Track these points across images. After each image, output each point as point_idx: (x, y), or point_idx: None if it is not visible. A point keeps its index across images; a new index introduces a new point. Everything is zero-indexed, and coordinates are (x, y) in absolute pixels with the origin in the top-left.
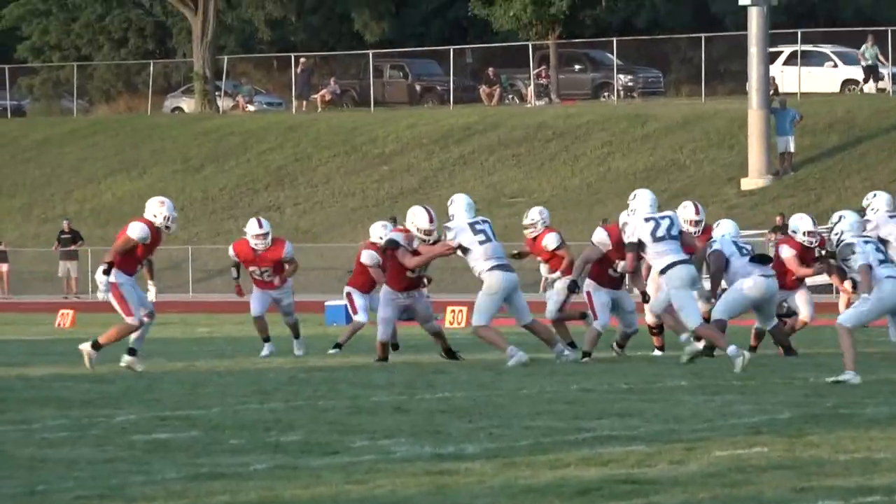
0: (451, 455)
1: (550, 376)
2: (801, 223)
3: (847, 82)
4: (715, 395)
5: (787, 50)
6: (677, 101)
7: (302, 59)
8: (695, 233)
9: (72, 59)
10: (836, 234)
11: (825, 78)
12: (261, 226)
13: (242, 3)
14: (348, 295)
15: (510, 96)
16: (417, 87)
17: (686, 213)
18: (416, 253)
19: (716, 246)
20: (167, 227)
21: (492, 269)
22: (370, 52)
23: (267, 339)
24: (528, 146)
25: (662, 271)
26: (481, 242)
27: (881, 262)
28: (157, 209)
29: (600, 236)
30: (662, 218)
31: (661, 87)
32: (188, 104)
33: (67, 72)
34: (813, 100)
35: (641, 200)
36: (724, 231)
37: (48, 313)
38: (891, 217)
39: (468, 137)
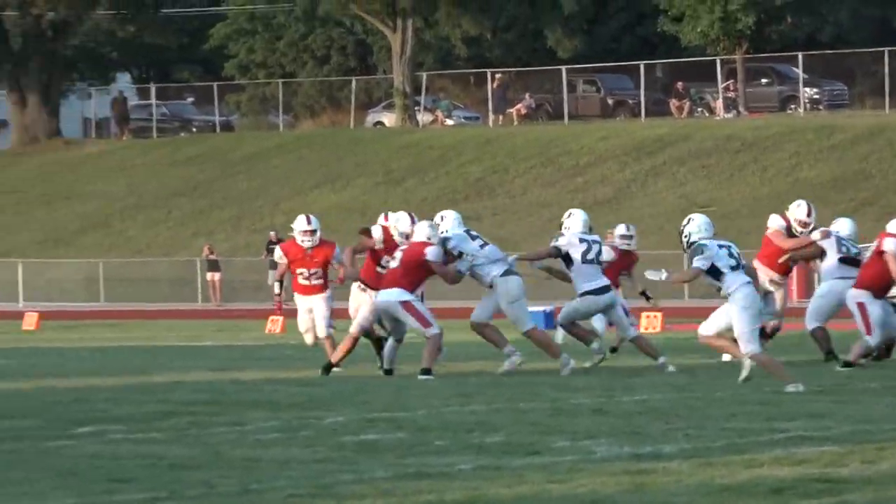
0: (649, 455)
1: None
2: None
3: None
4: None
5: None
6: (862, 113)
7: (498, 75)
8: (801, 233)
9: (277, 77)
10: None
11: None
12: (309, 222)
13: (440, 21)
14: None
15: (699, 109)
16: (610, 101)
17: (798, 212)
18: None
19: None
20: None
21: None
22: (564, 67)
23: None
24: (718, 157)
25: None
26: (583, 261)
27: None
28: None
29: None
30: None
31: (846, 100)
32: (389, 119)
33: (273, 88)
34: None
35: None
36: (839, 228)
37: (258, 320)
38: None
39: (659, 149)
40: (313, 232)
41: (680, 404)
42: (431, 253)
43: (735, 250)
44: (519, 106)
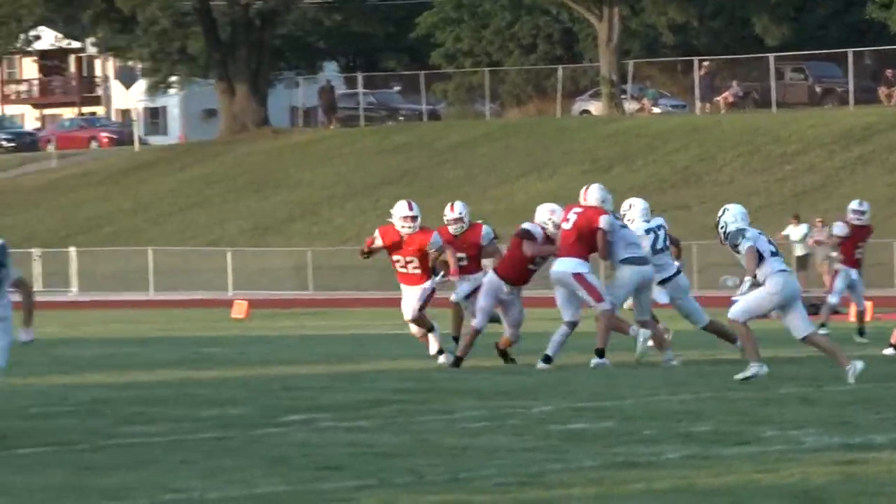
0: (860, 445)
1: None
2: None
3: None
4: None
5: None
6: None
7: (705, 63)
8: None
9: (483, 65)
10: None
11: None
12: (410, 208)
13: (646, 8)
14: None
15: None
16: (818, 89)
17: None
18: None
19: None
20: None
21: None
22: (771, 55)
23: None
24: None
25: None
26: (654, 252)
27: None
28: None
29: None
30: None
31: None
32: (595, 107)
33: (479, 77)
34: None
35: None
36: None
37: None
38: None
39: (868, 137)
40: (414, 218)
41: (891, 394)
42: (604, 222)
43: (771, 239)
44: (726, 94)
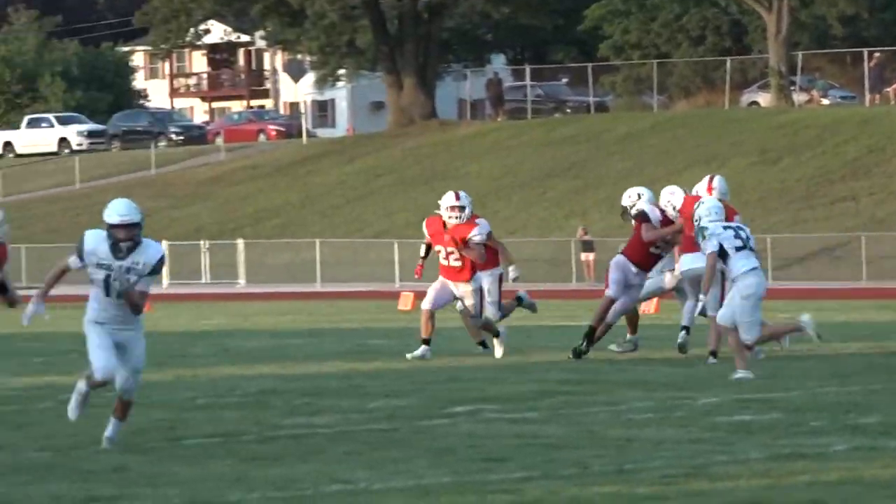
0: None
1: None
2: None
3: None
4: None
5: None
6: None
7: (875, 54)
8: None
9: (651, 57)
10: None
11: None
12: (458, 198)
13: (816, 0)
14: None
15: None
16: None
17: None
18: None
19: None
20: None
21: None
22: None
23: (426, 342)
24: None
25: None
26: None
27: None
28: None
29: None
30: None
31: None
32: (764, 99)
33: (647, 69)
34: None
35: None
36: None
37: None
38: None
39: None
40: (461, 208)
41: None
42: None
43: (745, 232)
44: None
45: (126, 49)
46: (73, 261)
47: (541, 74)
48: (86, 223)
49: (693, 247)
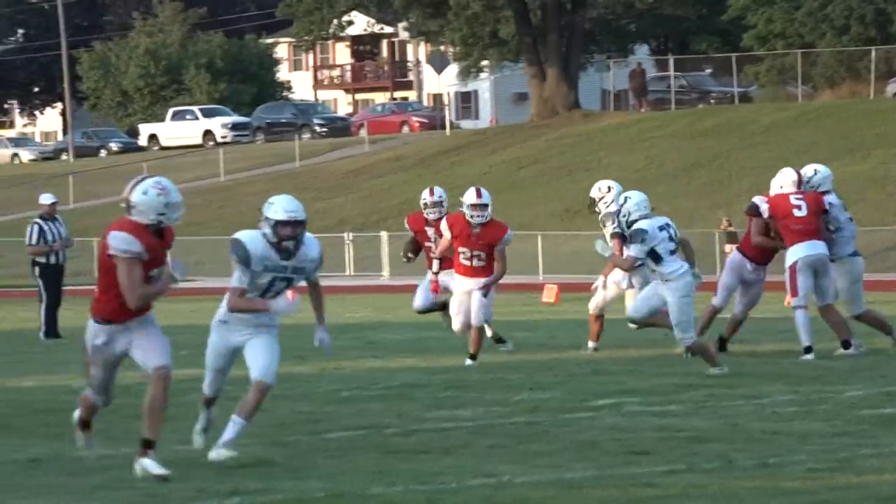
0: None
1: None
2: None
3: None
4: None
5: None
6: None
7: None
8: None
9: (795, 47)
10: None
11: None
12: (479, 195)
13: None
14: None
15: None
16: None
17: None
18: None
19: None
20: None
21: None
22: None
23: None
24: None
25: None
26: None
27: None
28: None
29: None
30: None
31: None
32: None
33: (791, 59)
34: None
35: None
36: None
37: (776, 292)
38: None
39: None
40: (484, 206)
41: None
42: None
43: (673, 230)
44: None
45: (270, 41)
46: (239, 278)
47: (684, 65)
48: (229, 216)
49: (800, 236)
